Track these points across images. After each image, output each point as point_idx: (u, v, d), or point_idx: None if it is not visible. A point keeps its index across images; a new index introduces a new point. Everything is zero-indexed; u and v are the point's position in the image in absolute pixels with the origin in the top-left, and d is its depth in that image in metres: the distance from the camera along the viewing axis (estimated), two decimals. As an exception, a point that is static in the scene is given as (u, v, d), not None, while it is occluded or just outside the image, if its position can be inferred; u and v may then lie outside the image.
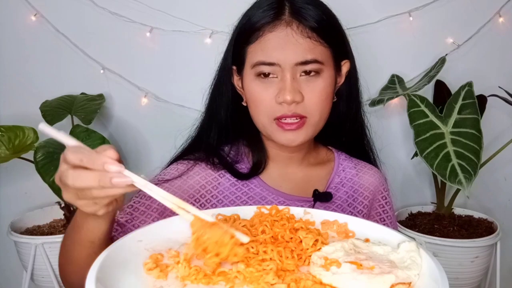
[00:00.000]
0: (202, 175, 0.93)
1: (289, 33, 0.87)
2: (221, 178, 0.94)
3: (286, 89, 0.86)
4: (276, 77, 0.88)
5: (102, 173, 0.56)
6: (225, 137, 0.98)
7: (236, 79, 0.96)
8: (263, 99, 0.89)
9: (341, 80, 0.96)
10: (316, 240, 0.62)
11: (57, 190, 1.51)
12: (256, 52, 0.88)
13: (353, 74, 0.98)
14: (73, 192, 0.59)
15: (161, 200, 0.60)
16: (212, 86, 0.99)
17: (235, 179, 0.94)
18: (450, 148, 1.50)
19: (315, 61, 0.87)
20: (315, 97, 0.89)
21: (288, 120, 0.88)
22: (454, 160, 1.47)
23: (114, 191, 0.58)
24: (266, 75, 0.88)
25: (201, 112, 1.01)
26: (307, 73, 0.87)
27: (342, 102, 0.98)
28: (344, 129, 1.02)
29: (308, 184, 0.98)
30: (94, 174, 0.56)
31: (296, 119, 0.88)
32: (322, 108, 0.90)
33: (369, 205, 1.00)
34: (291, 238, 0.64)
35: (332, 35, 0.90)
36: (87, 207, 0.61)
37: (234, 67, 0.95)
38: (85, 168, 0.57)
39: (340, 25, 0.94)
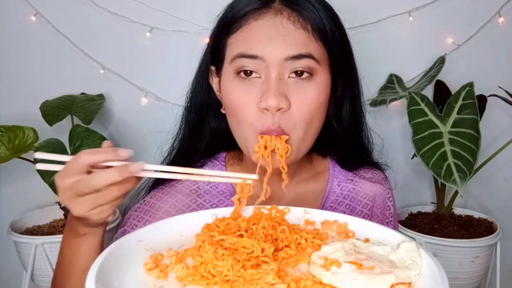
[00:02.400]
0: (186, 192, 0.84)
1: (278, 22, 0.72)
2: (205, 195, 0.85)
3: (270, 91, 0.71)
4: (260, 76, 0.73)
5: (119, 166, 0.59)
6: (206, 152, 0.87)
7: (214, 82, 0.82)
8: (244, 105, 0.73)
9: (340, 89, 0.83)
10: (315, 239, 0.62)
11: (57, 190, 1.50)
12: (237, 43, 0.74)
13: (354, 76, 0.86)
14: (90, 201, 0.60)
15: (173, 176, 0.64)
16: (190, 92, 0.87)
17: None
18: (448, 148, 1.50)
19: (309, 56, 0.72)
20: (305, 106, 0.73)
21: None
22: (450, 160, 1.48)
23: (129, 185, 0.61)
24: (247, 73, 0.73)
25: (178, 127, 0.89)
26: (297, 74, 0.73)
27: (345, 105, 0.86)
28: (344, 133, 0.88)
29: (301, 205, 0.81)
30: (112, 169, 0.59)
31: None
32: (310, 120, 0.74)
33: (370, 213, 0.92)
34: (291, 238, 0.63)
35: (331, 33, 0.76)
36: (101, 214, 0.62)
37: (213, 68, 0.82)
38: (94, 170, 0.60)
39: (340, 22, 0.81)
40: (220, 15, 0.81)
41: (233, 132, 0.79)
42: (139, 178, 0.63)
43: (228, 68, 0.76)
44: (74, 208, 0.61)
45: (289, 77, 0.73)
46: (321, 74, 0.75)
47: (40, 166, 0.64)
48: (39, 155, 0.62)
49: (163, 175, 0.65)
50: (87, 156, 0.60)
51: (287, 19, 0.73)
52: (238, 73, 0.74)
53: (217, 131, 0.86)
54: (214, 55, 0.80)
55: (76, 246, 0.69)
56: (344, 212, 0.86)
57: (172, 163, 0.87)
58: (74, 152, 1.63)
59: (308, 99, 0.73)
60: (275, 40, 0.72)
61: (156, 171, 0.64)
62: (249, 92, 0.73)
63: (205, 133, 0.86)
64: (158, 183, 0.86)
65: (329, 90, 0.78)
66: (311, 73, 0.74)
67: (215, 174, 0.70)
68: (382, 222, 0.93)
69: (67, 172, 0.61)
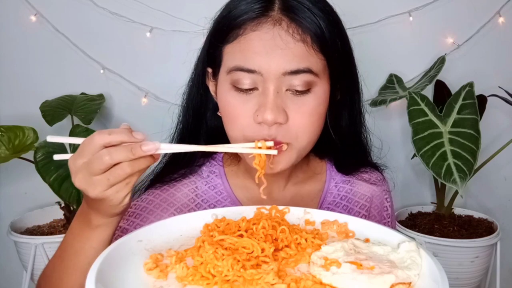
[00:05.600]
0: (184, 191, 0.83)
1: (277, 33, 0.70)
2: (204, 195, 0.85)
3: (267, 105, 0.70)
4: (257, 88, 0.72)
5: (132, 144, 0.58)
6: (204, 152, 0.84)
7: (211, 84, 0.81)
8: (239, 116, 0.73)
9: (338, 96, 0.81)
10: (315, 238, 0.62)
11: (57, 190, 1.51)
12: (234, 54, 0.73)
13: (355, 81, 0.83)
14: (104, 179, 0.59)
15: (190, 149, 0.65)
16: (186, 94, 0.86)
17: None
18: (447, 148, 1.50)
19: (308, 71, 0.71)
20: (303, 119, 0.72)
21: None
22: (450, 160, 1.48)
23: (143, 163, 0.59)
24: (244, 90, 0.72)
25: (175, 127, 0.89)
26: (295, 91, 0.72)
27: (343, 112, 0.85)
28: (342, 138, 0.87)
29: (298, 206, 0.82)
30: (125, 146, 0.58)
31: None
32: (310, 132, 0.74)
33: (367, 214, 0.91)
34: (291, 238, 0.63)
35: (333, 44, 0.74)
36: (118, 194, 0.60)
37: (210, 70, 0.81)
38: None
39: (342, 27, 0.78)
40: (216, 17, 0.78)
41: (228, 135, 0.78)
42: (154, 157, 0.62)
43: (224, 78, 0.74)
44: (90, 189, 0.59)
45: (287, 90, 0.72)
46: (320, 86, 0.74)
47: (57, 157, 0.63)
48: (52, 138, 0.62)
49: (178, 150, 0.66)
50: (102, 136, 0.58)
51: (285, 30, 0.70)
52: (234, 85, 0.73)
53: (214, 131, 0.85)
54: (211, 59, 0.79)
55: (86, 239, 0.66)
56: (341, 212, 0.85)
57: (170, 163, 0.86)
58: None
59: (307, 112, 0.73)
60: (273, 53, 0.70)
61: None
62: (245, 103, 0.72)
63: (202, 135, 0.86)
64: (156, 181, 0.85)
65: (328, 99, 0.76)
66: (309, 87, 0.72)
67: (229, 146, 0.71)
68: (379, 223, 0.90)
69: (80, 153, 0.59)
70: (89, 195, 0.60)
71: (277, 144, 0.72)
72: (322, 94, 0.74)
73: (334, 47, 0.74)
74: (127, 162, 0.58)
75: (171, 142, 0.89)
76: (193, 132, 0.86)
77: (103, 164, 0.58)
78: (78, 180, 0.60)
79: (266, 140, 0.71)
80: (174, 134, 0.88)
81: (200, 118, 0.85)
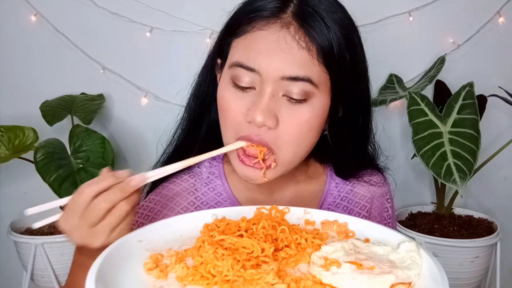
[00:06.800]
0: (184, 195, 0.83)
1: (282, 36, 0.69)
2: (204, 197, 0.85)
3: (259, 106, 0.69)
4: (255, 88, 0.71)
5: (121, 183, 0.60)
6: (206, 148, 0.79)
7: (219, 75, 0.80)
8: (231, 111, 0.72)
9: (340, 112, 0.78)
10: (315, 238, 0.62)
11: (57, 190, 1.51)
12: (238, 49, 0.73)
13: (362, 100, 0.80)
14: (106, 225, 0.60)
15: (179, 167, 0.70)
16: (195, 82, 0.85)
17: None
18: (447, 148, 1.51)
19: (307, 80, 0.69)
20: (293, 129, 0.71)
21: (251, 150, 0.71)
22: (450, 160, 1.48)
23: (136, 197, 0.62)
24: (241, 87, 0.71)
25: (180, 120, 0.88)
26: (291, 98, 0.70)
27: (345, 128, 0.80)
28: (346, 151, 0.84)
29: (298, 206, 0.79)
30: (115, 188, 0.60)
31: (261, 153, 0.70)
32: (297, 145, 0.72)
33: (367, 215, 0.90)
34: (291, 238, 0.63)
35: (340, 59, 0.71)
36: (121, 234, 0.61)
37: (219, 61, 0.80)
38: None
39: (355, 43, 0.75)
40: (232, 13, 0.78)
41: (221, 131, 0.77)
42: (141, 189, 0.63)
43: (226, 72, 0.74)
44: (95, 240, 0.60)
45: (283, 95, 0.70)
46: (319, 98, 0.71)
47: (38, 225, 0.65)
48: (32, 210, 0.64)
49: (164, 174, 0.68)
50: (91, 188, 0.59)
51: (292, 35, 0.69)
52: (233, 80, 0.72)
53: (216, 125, 0.82)
54: (220, 50, 0.78)
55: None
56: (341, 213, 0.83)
57: (172, 153, 0.86)
58: (74, 152, 1.63)
59: (299, 122, 0.71)
60: (274, 55, 0.69)
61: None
62: (240, 100, 0.72)
63: (204, 125, 0.85)
64: (155, 186, 0.85)
65: (325, 114, 0.74)
66: (306, 97, 0.70)
67: (210, 154, 0.73)
68: (380, 224, 0.91)
69: (71, 211, 0.60)
70: (93, 246, 0.60)
71: (259, 144, 0.72)
72: (319, 108, 0.72)
73: (341, 63, 0.72)
74: (123, 201, 0.60)
75: (175, 131, 0.88)
76: (197, 121, 0.85)
77: (101, 211, 0.59)
78: (79, 237, 0.60)
79: (251, 137, 0.71)
80: (181, 124, 0.87)
81: (205, 107, 0.84)
